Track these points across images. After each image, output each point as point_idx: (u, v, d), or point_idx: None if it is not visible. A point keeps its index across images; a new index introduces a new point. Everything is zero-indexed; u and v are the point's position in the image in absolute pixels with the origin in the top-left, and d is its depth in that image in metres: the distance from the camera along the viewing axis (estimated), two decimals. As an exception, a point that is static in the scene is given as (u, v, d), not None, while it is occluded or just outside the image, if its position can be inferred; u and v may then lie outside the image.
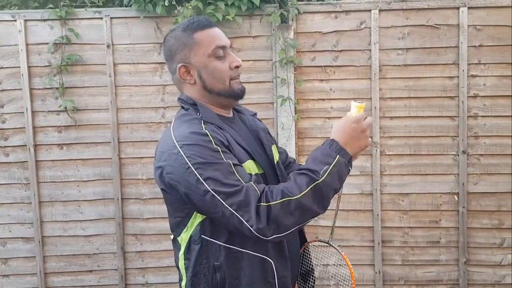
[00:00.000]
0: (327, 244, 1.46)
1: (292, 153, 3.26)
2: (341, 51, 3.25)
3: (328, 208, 1.24)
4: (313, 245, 1.52)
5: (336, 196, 1.27)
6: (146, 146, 3.37)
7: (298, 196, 1.14)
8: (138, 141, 3.38)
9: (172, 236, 1.35)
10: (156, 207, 3.41)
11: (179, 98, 1.35)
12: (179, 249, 1.30)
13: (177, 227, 1.30)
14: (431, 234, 3.33)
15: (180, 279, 1.34)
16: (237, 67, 1.32)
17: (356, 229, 3.36)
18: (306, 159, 1.24)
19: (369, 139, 1.27)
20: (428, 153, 3.26)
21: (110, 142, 3.36)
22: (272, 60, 3.22)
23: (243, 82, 1.39)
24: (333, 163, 1.18)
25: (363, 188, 3.31)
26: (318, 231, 3.36)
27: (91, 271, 3.49)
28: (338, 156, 1.19)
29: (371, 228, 3.32)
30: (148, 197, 3.40)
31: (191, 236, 1.26)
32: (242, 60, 1.41)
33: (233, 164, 1.18)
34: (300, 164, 1.49)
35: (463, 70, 3.20)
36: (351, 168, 1.25)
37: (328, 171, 1.17)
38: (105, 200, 3.42)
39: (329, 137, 1.26)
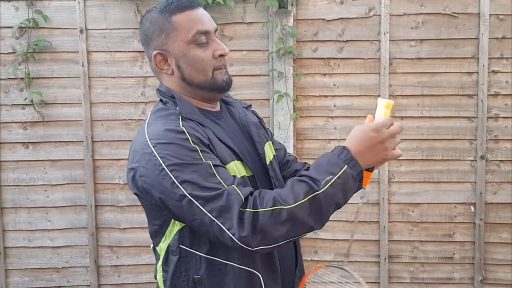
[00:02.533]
0: (339, 268, 1.28)
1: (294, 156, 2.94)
2: (346, 41, 3.05)
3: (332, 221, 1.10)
4: (316, 274, 1.33)
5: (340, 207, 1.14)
6: (124, 146, 3.16)
7: (292, 205, 1.06)
8: (115, 141, 3.17)
9: (151, 245, 1.29)
10: (134, 215, 3.23)
11: (157, 90, 1.26)
12: (158, 260, 1.25)
13: (155, 236, 1.24)
14: (444, 249, 3.16)
15: None
16: (222, 55, 1.21)
17: (360, 242, 3.18)
18: (311, 165, 1.16)
19: (392, 152, 1.13)
20: (442, 158, 3.08)
21: (82, 141, 3.17)
22: (268, 50, 3.04)
23: (234, 75, 1.31)
24: (339, 173, 1.09)
25: (369, 196, 3.12)
26: (317, 245, 3.19)
27: (60, 287, 3.29)
28: (346, 166, 1.09)
29: (377, 242, 3.15)
30: (125, 204, 3.22)
31: (169, 246, 1.20)
32: (234, 50, 1.38)
33: (214, 165, 1.10)
34: (306, 163, 1.45)
35: (483, 65, 3.01)
36: (360, 183, 1.16)
37: (331, 182, 1.08)
38: (76, 207, 3.23)
39: (337, 141, 1.22)
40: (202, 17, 1.20)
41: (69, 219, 3.24)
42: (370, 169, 1.20)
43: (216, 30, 1.22)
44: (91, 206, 3.19)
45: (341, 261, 1.32)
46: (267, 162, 1.29)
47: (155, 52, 1.20)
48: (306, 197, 1.07)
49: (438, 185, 3.11)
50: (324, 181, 1.08)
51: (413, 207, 3.13)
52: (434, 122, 3.07)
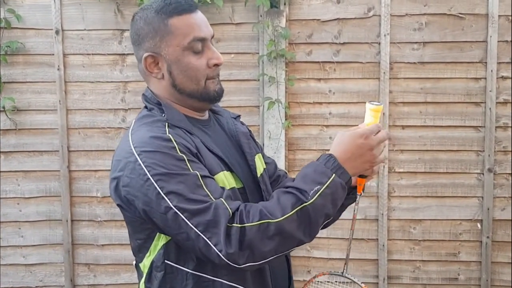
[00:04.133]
0: (340, 277, 1.31)
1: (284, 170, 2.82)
2: (343, 43, 2.95)
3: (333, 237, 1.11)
4: (318, 281, 1.37)
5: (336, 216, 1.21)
6: (102, 156, 3.05)
7: (279, 219, 1.04)
8: (93, 150, 3.06)
9: (134, 262, 1.25)
10: (113, 231, 3.10)
11: (143, 95, 1.24)
12: (141, 277, 1.21)
13: (139, 251, 1.20)
14: (447, 270, 3.04)
15: None
16: (216, 65, 1.20)
17: (357, 262, 3.06)
18: (296, 175, 1.14)
19: (379, 158, 1.13)
20: (446, 171, 2.98)
21: (58, 151, 3.05)
22: (258, 53, 2.95)
23: (221, 80, 1.25)
24: (327, 183, 1.08)
25: (367, 212, 3.02)
26: (310, 264, 3.06)
27: None
28: (334, 175, 1.09)
29: (375, 261, 3.04)
30: (104, 218, 3.09)
31: (153, 262, 1.17)
32: (222, 53, 1.22)
33: (201, 176, 1.08)
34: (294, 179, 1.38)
35: (491, 70, 2.89)
36: (348, 192, 1.14)
37: (319, 193, 1.07)
38: (51, 222, 3.10)
39: (326, 152, 1.14)
40: (200, 23, 1.18)
41: (43, 234, 3.12)
42: (364, 175, 1.20)
43: (212, 36, 1.20)
44: (66, 221, 3.07)
45: (342, 272, 1.34)
46: (258, 175, 1.27)
47: (146, 54, 1.18)
48: (294, 209, 1.05)
49: (442, 200, 3.01)
50: (312, 191, 1.06)
51: (414, 223, 3.03)
52: (438, 132, 2.97)
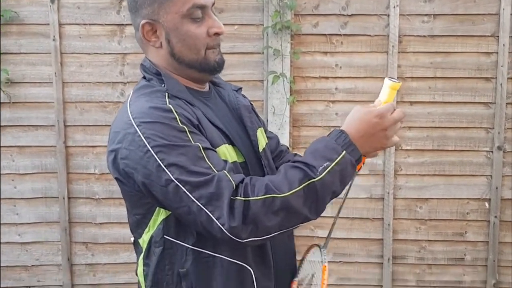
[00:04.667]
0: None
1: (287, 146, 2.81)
2: (351, 15, 2.89)
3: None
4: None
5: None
6: (100, 131, 2.98)
7: (286, 194, 1.03)
8: (90, 125, 2.99)
9: (132, 239, 1.24)
10: (111, 209, 3.05)
11: (141, 65, 1.22)
12: (140, 254, 1.20)
13: (137, 227, 1.19)
14: (454, 250, 3.02)
15: None
16: (217, 34, 1.17)
17: (362, 241, 3.04)
18: (305, 150, 1.11)
19: (393, 139, 1.13)
20: (455, 148, 2.94)
21: (54, 126, 2.97)
22: (263, 25, 2.88)
23: (224, 53, 1.23)
24: (337, 159, 1.06)
25: (373, 191, 2.98)
26: (316, 222, 2.93)
27: (29, 287, 3.11)
28: (344, 152, 1.07)
29: (380, 241, 3.01)
30: (102, 196, 3.03)
31: (152, 237, 1.16)
32: (224, 24, 1.21)
33: (203, 148, 1.06)
34: (296, 154, 1.37)
35: (503, 45, 2.82)
36: (357, 170, 1.13)
37: (328, 169, 1.05)
38: (47, 199, 3.04)
39: (338, 127, 1.12)
40: None
41: (39, 212, 3.05)
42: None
43: (213, 4, 1.17)
44: (63, 198, 3.02)
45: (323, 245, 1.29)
46: (260, 149, 1.25)
47: (143, 21, 1.15)
48: (301, 184, 1.04)
49: (450, 179, 2.97)
50: (321, 167, 1.05)
51: (421, 202, 3.00)
52: (447, 108, 2.92)
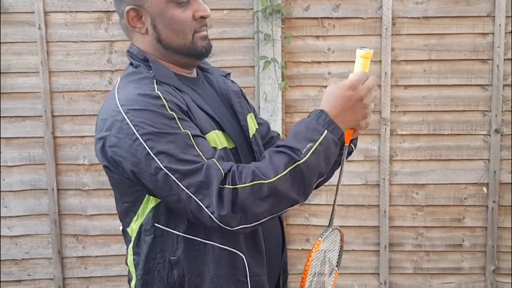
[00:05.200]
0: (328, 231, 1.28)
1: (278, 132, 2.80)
2: None
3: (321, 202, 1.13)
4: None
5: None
6: (89, 121, 2.94)
7: (272, 179, 1.04)
8: (78, 115, 2.96)
9: (121, 227, 1.25)
10: (102, 200, 3.02)
11: (128, 51, 1.23)
12: (129, 243, 1.21)
13: (126, 216, 1.20)
14: (452, 236, 3.00)
15: (130, 279, 1.24)
16: (203, 17, 1.18)
17: (358, 229, 3.01)
18: (288, 133, 1.14)
19: (370, 107, 1.14)
20: (451, 132, 2.92)
21: (41, 116, 2.94)
22: (252, 9, 2.83)
23: (213, 39, 1.19)
24: (320, 140, 1.07)
25: (368, 177, 2.96)
26: (309, 232, 3.00)
27: (19, 281, 3.08)
28: (326, 131, 1.08)
29: (376, 228, 2.99)
30: (92, 187, 3.01)
31: (141, 225, 1.16)
32: (213, 10, 1.23)
33: (193, 135, 1.07)
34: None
35: (499, 25, 2.78)
36: (352, 147, 1.23)
37: (312, 150, 1.06)
38: (36, 191, 3.02)
39: (316, 108, 1.13)
40: None
41: (28, 204, 3.03)
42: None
43: None
44: (52, 190, 2.99)
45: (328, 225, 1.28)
46: (250, 135, 1.26)
47: (128, 8, 1.15)
48: (287, 168, 1.05)
49: (447, 164, 2.95)
50: (304, 149, 1.06)
51: (417, 188, 2.98)
52: (443, 91, 2.89)
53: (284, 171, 1.05)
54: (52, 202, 2.97)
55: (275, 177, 1.05)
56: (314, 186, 1.11)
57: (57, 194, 2.98)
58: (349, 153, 1.28)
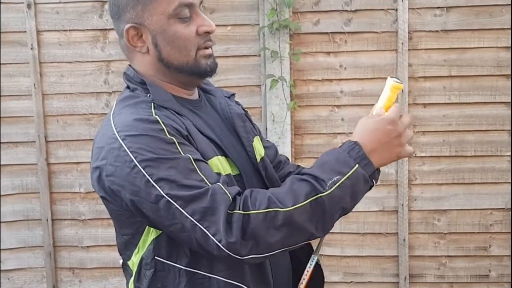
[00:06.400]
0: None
1: (286, 156, 2.83)
2: (355, 11, 2.81)
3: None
4: None
5: None
6: (85, 146, 2.91)
7: (290, 208, 1.01)
8: (74, 140, 2.93)
9: (121, 261, 1.21)
10: (99, 230, 2.98)
11: (124, 73, 1.20)
12: (130, 277, 1.17)
13: (126, 249, 1.17)
14: (477, 266, 2.91)
15: None
16: (207, 32, 1.16)
17: (375, 259, 2.93)
18: (314, 162, 1.10)
19: (406, 148, 1.11)
20: (475, 154, 2.85)
21: (34, 142, 2.91)
22: (258, 24, 2.81)
23: (217, 57, 1.21)
24: (348, 173, 1.04)
25: (385, 203, 2.88)
26: (322, 263, 2.83)
27: None
28: (357, 165, 1.05)
29: (395, 258, 2.90)
30: (89, 216, 2.96)
31: (142, 259, 1.13)
32: (217, 25, 1.18)
33: (194, 159, 1.04)
34: (299, 166, 1.42)
35: None
36: (372, 184, 1.11)
37: (338, 183, 1.03)
38: (29, 222, 2.96)
39: (350, 139, 1.09)
40: None
41: (21, 236, 2.98)
42: None
43: (201, 2, 1.18)
44: (46, 220, 2.94)
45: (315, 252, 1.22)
46: (258, 159, 1.24)
47: (127, 26, 1.13)
48: (308, 199, 1.03)
49: (470, 187, 2.88)
50: (330, 181, 1.04)
51: (439, 214, 2.89)
52: (465, 110, 2.83)
53: (304, 201, 1.02)
54: (46, 233, 2.93)
55: (293, 206, 1.02)
56: (335, 222, 1.08)
57: (51, 225, 2.94)
58: (370, 187, 1.21)
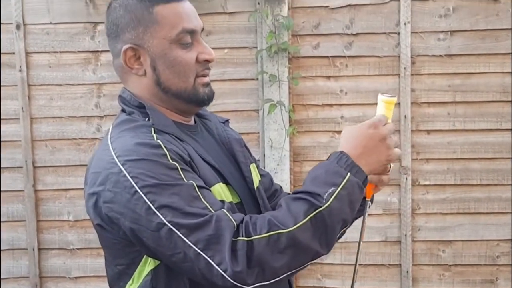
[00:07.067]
0: None
1: (285, 183, 2.79)
2: (356, 34, 2.80)
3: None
4: None
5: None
6: (74, 172, 2.87)
7: (291, 228, 1.00)
8: (62, 166, 2.88)
9: None
10: (88, 260, 2.93)
11: (120, 96, 1.19)
12: None
13: (118, 280, 1.13)
14: None
15: None
16: (207, 61, 1.16)
17: None
18: (304, 180, 1.09)
19: (394, 151, 1.10)
20: (480, 182, 2.82)
21: (21, 167, 2.86)
22: (256, 47, 2.80)
23: (214, 80, 1.24)
24: (342, 183, 1.04)
25: (388, 233, 2.85)
26: (323, 270, 2.90)
27: None
28: (349, 174, 1.05)
29: None
30: (77, 246, 2.90)
31: None
32: (213, 48, 1.18)
33: (198, 186, 1.03)
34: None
35: None
36: (369, 204, 1.16)
37: (334, 195, 1.02)
38: (14, 252, 2.91)
39: (335, 151, 1.10)
40: (189, 13, 1.16)
41: (6, 266, 2.92)
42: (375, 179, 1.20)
43: (202, 29, 1.18)
44: (33, 250, 2.88)
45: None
46: (255, 187, 1.24)
47: (126, 46, 1.14)
48: (307, 216, 1.02)
49: (476, 217, 2.84)
50: (326, 194, 1.03)
51: (443, 245, 2.85)
52: (470, 137, 2.81)
53: (304, 219, 1.01)
54: (32, 263, 2.88)
55: (294, 225, 1.01)
56: (337, 236, 1.08)
57: (38, 255, 2.88)
58: (368, 206, 1.24)
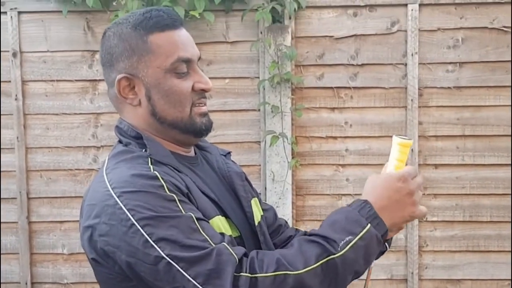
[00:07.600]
0: None
1: (287, 218, 2.74)
2: (362, 65, 2.78)
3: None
4: None
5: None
6: (70, 204, 2.83)
7: (300, 271, 0.97)
8: (58, 197, 2.84)
9: None
10: None
11: (116, 127, 1.17)
12: None
13: None
14: None
15: None
16: (203, 90, 1.15)
17: None
18: (322, 222, 1.07)
19: (420, 208, 1.06)
20: (490, 219, 2.77)
21: (15, 198, 2.83)
22: (258, 78, 2.78)
23: (214, 111, 0.89)
24: (361, 233, 1.01)
25: (394, 270, 2.80)
26: None
27: None
28: (369, 225, 1.02)
29: None
30: (71, 280, 2.84)
31: None
32: (214, 78, 1.03)
33: (196, 218, 1.02)
34: (298, 229, 1.37)
35: None
36: (385, 247, 1.12)
37: (351, 244, 1.00)
38: (7, 286, 2.85)
39: (359, 198, 1.07)
40: (185, 41, 1.15)
41: None
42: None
43: (199, 58, 1.18)
44: (26, 284, 2.82)
45: None
46: (256, 223, 1.22)
47: (120, 76, 1.12)
48: (319, 261, 0.99)
49: (486, 256, 2.80)
50: (342, 242, 1.00)
51: (452, 284, 2.80)
52: (480, 172, 2.77)
53: (315, 263, 0.99)
54: None
55: (303, 269, 0.99)
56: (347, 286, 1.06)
57: None
58: (382, 253, 1.19)
